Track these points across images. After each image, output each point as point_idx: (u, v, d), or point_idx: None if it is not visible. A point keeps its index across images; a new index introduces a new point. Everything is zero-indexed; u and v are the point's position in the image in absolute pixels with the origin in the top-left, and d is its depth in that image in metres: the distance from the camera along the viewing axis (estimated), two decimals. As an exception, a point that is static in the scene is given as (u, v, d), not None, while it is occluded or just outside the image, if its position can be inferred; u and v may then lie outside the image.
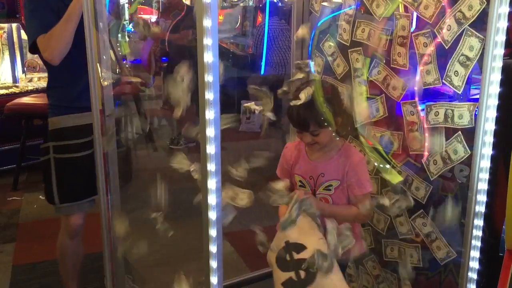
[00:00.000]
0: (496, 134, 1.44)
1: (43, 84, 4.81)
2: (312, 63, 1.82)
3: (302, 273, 1.60)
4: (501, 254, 1.64)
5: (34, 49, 2.15)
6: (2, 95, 4.40)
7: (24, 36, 4.90)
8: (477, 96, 1.51)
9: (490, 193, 1.50)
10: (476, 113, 1.61)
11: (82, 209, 2.28)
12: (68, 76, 2.20)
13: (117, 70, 2.70)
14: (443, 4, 1.73)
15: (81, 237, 2.38)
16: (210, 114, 1.09)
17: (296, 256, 1.63)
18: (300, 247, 1.63)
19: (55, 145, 2.26)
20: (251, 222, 1.79)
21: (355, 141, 2.14)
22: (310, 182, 1.80)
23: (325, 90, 1.68)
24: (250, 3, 7.40)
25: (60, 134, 2.26)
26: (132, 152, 2.60)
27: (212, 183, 1.13)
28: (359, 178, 1.76)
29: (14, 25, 4.84)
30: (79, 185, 2.24)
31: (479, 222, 1.49)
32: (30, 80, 4.98)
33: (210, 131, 1.10)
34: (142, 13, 8.64)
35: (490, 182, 1.48)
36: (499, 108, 1.42)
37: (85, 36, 1.86)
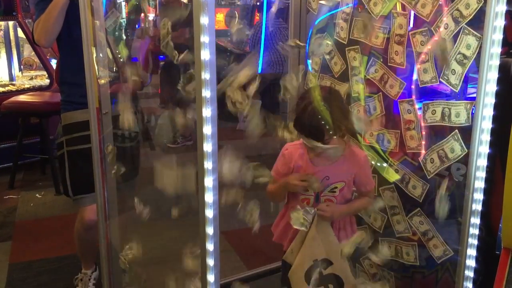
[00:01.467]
0: (493, 132, 1.44)
1: (40, 82, 4.80)
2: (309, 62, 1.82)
3: (331, 287, 1.74)
4: (498, 252, 1.64)
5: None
6: (-1, 93, 4.39)
7: (20, 34, 4.88)
8: (474, 95, 1.51)
9: (486, 191, 1.50)
10: (473, 112, 1.61)
11: (95, 201, 2.33)
12: (77, 72, 2.25)
13: (114, 68, 2.70)
14: (440, 2, 1.73)
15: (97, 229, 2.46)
16: (207, 112, 1.09)
17: (325, 272, 1.74)
18: (328, 263, 1.74)
19: (67, 139, 2.37)
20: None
21: (352, 139, 2.14)
22: None
23: (323, 91, 1.68)
24: (248, 1, 7.39)
25: (71, 128, 2.36)
26: (135, 148, 2.63)
27: (209, 181, 1.13)
28: (367, 175, 1.85)
29: (10, 23, 4.82)
30: (90, 176, 2.25)
31: (475, 220, 1.50)
32: (31, 79, 4.96)
33: (207, 129, 1.10)
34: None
35: (487, 180, 1.49)
36: (496, 106, 1.43)
37: (82, 34, 1.85)
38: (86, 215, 2.39)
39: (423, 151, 1.86)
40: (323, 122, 1.61)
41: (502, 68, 1.44)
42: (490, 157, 1.46)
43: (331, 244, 1.75)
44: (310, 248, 1.74)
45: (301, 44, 2.17)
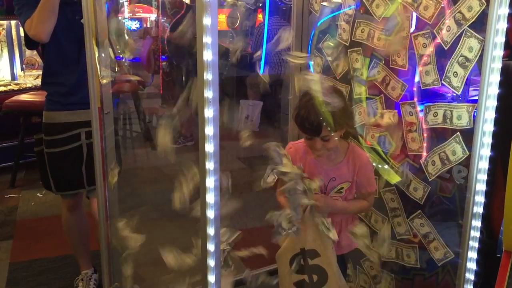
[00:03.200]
0: (495, 135, 1.44)
1: (42, 81, 4.80)
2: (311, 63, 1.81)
3: (315, 277, 1.72)
4: (499, 255, 1.64)
5: (27, 42, 2.34)
6: (1, 92, 4.39)
7: (23, 33, 4.89)
8: (476, 97, 1.51)
9: (488, 194, 1.50)
10: (475, 114, 1.61)
11: (77, 194, 2.47)
12: (59, 71, 2.32)
13: (116, 68, 2.70)
14: (442, 5, 1.73)
15: (81, 211, 2.55)
16: (209, 112, 1.08)
17: (311, 262, 1.72)
18: (315, 254, 1.73)
19: (45, 139, 2.40)
20: (250, 221, 1.78)
21: (354, 141, 2.14)
22: (320, 187, 1.80)
23: (325, 91, 1.68)
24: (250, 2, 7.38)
25: (50, 128, 2.39)
26: (125, 148, 2.69)
27: (210, 182, 1.13)
28: (368, 176, 1.84)
29: (13, 22, 4.82)
30: (71, 175, 2.38)
31: (476, 223, 1.49)
32: (37, 77, 4.96)
33: (209, 130, 1.10)
34: (141, 10, 8.62)
35: (488, 183, 1.48)
36: (498, 109, 1.42)
37: (84, 34, 1.85)
38: (67, 201, 2.48)
39: (424, 153, 1.86)
40: (320, 117, 1.61)
41: (504, 71, 1.43)
42: (492, 159, 1.46)
43: (322, 237, 1.72)
44: (300, 236, 1.72)
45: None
